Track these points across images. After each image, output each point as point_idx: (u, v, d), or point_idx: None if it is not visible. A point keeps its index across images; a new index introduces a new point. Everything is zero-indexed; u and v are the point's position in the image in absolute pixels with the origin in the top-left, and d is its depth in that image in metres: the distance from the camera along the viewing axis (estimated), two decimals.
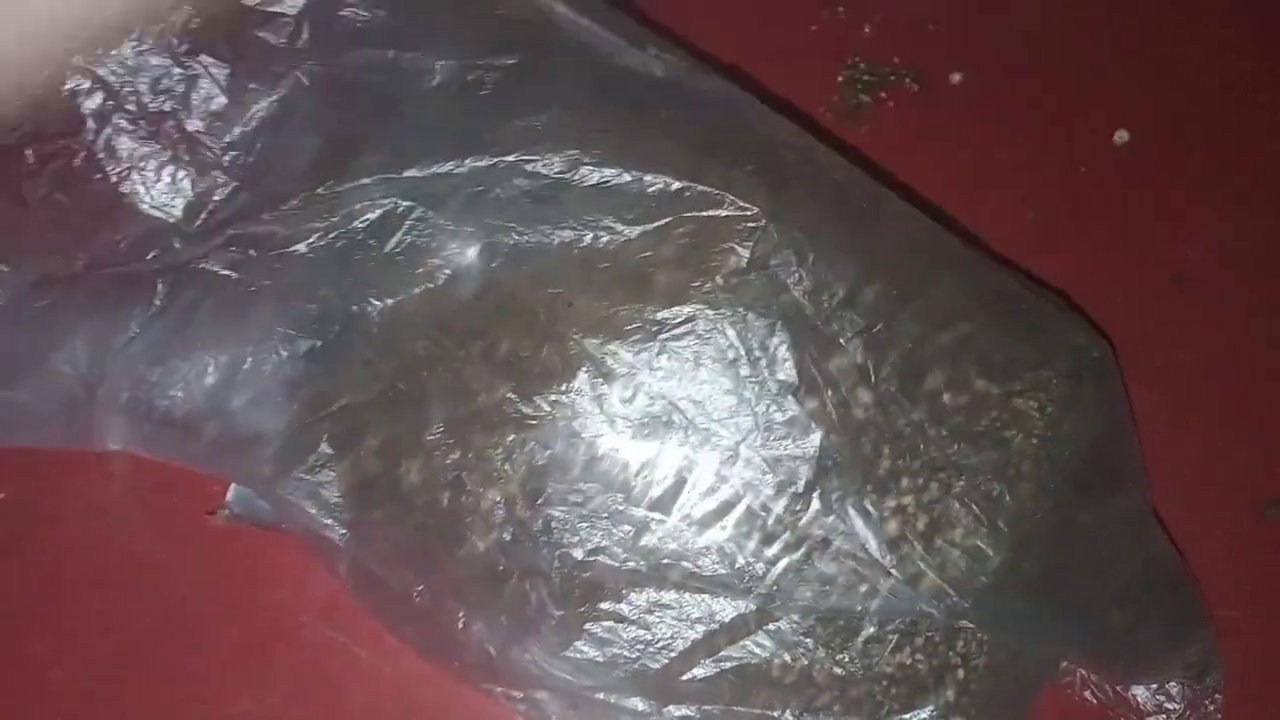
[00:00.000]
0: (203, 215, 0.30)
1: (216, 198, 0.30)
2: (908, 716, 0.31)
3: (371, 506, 0.32)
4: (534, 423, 0.30)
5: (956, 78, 0.45)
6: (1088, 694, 0.37)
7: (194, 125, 0.30)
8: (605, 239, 0.29)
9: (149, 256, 0.30)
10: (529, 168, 0.29)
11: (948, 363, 0.31)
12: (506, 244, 0.29)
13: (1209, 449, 0.43)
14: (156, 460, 0.35)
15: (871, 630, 0.30)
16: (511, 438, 0.30)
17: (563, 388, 0.29)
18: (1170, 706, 0.37)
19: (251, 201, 0.29)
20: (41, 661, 0.39)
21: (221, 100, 0.30)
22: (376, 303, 0.30)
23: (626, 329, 0.29)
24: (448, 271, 0.29)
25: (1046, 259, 0.43)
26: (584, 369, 0.29)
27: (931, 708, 0.31)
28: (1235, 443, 0.43)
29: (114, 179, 0.30)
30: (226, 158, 0.30)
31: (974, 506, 0.30)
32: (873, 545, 0.29)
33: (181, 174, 0.30)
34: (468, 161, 0.29)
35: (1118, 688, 0.37)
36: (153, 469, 0.36)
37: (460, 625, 0.32)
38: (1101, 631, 0.34)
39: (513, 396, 0.30)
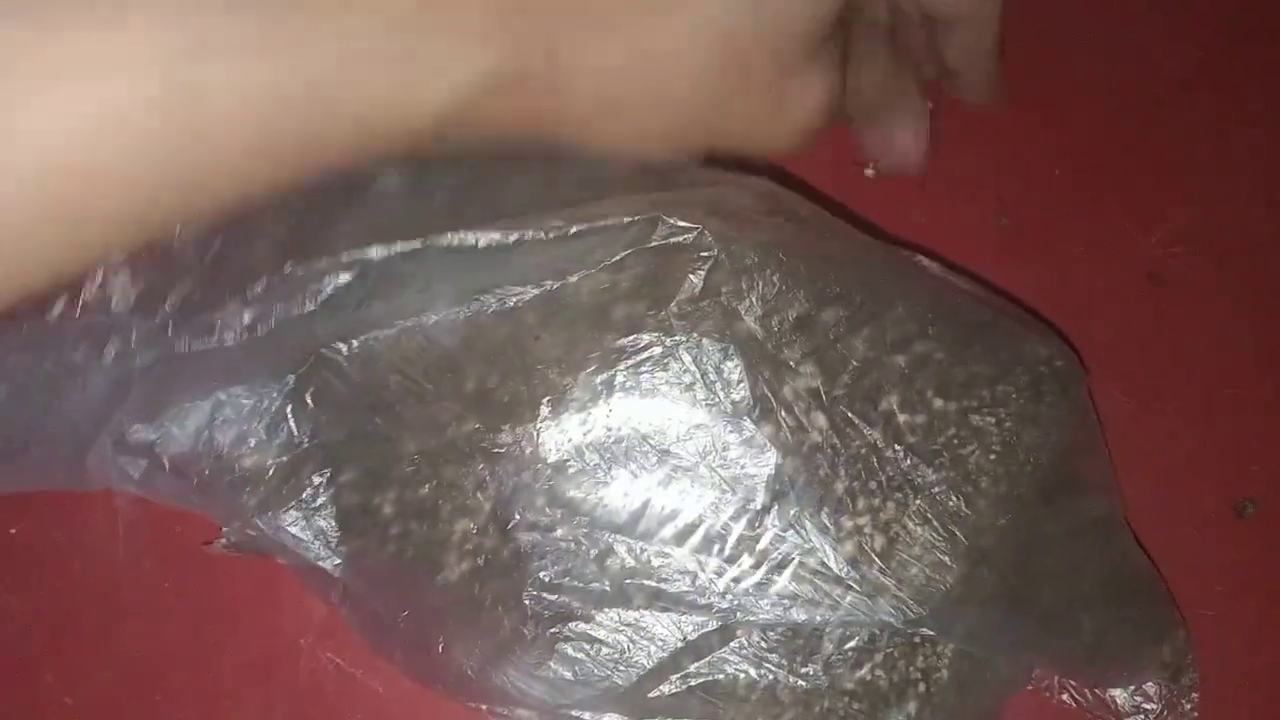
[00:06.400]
0: (167, 309, 0.32)
1: (179, 293, 0.32)
2: None
3: (352, 537, 0.33)
4: (501, 452, 0.31)
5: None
6: (1065, 696, 0.38)
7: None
8: (567, 280, 0.30)
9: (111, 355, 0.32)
10: (486, 241, 0.30)
11: (904, 383, 0.32)
12: (473, 295, 0.30)
13: (1186, 447, 0.43)
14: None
15: (831, 647, 0.31)
16: (480, 467, 0.31)
17: (528, 418, 0.30)
18: (1148, 707, 0.37)
19: (218, 294, 0.31)
20: (55, 690, 0.41)
21: None
22: (347, 346, 0.31)
23: (587, 358, 0.30)
24: (415, 316, 0.31)
25: (1019, 265, 0.43)
26: (547, 399, 0.30)
27: None
28: (1212, 440, 0.43)
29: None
30: (194, 258, 0.32)
31: (932, 522, 0.31)
32: (831, 562, 0.30)
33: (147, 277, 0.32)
34: (427, 242, 0.30)
35: (1095, 690, 0.38)
36: (154, 502, 0.38)
37: (440, 649, 0.33)
38: (1069, 637, 0.34)
39: (480, 428, 0.31)
